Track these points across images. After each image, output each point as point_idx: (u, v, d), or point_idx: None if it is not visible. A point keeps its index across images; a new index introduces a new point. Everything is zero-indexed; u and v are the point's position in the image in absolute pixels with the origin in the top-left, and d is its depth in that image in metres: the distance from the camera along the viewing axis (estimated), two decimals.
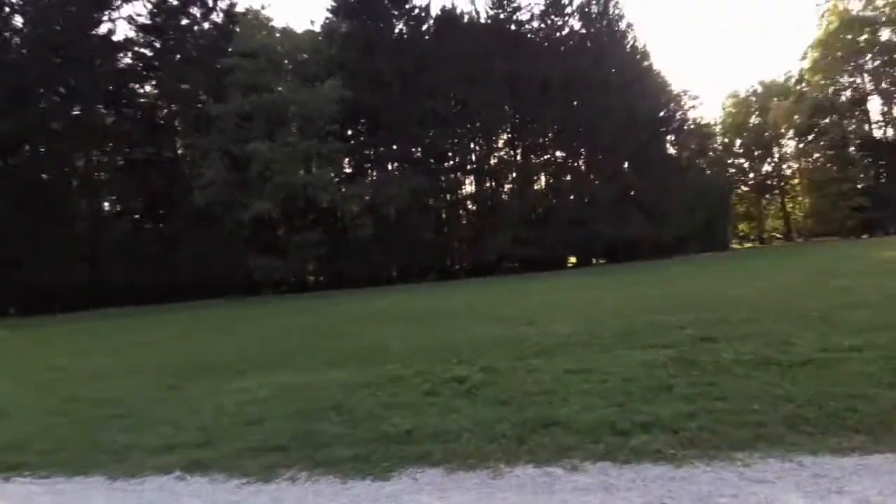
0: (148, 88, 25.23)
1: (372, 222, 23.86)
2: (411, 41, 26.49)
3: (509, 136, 28.26)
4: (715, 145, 38.47)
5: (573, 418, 2.69)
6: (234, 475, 2.45)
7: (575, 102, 27.55)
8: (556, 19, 29.25)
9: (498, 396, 3.20)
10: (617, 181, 27.06)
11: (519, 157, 28.06)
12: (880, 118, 32.91)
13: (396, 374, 3.96)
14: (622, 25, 29.87)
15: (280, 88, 25.15)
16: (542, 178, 28.20)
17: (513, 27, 28.32)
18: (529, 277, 20.05)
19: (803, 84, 35.22)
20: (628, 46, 30.04)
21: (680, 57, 77.40)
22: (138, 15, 24.76)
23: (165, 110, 25.22)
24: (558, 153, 28.15)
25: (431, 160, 26.28)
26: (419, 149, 26.09)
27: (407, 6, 27.30)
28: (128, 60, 24.50)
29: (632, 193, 27.50)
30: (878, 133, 33.12)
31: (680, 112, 32.63)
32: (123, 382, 4.84)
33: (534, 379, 3.54)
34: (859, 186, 32.20)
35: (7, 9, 23.96)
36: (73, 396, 4.37)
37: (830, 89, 32.97)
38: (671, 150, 32.00)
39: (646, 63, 30.60)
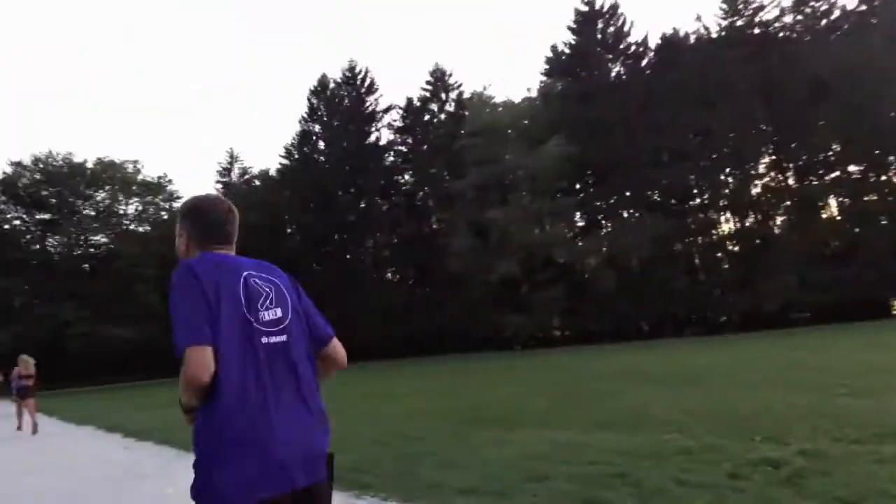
0: (407, 177, 28.40)
1: (614, 274, 21.32)
2: (631, 81, 23.57)
3: (773, 157, 22.20)
4: None
5: None
6: None
7: (865, 102, 19.70)
8: (817, 4, 21.91)
9: (836, 493, 2.24)
10: None
11: (791, 182, 21.68)
12: None
13: (681, 445, 3.30)
14: None
15: (507, 157, 25.15)
16: (833, 203, 20.83)
17: (757, 30, 22.30)
18: (829, 330, 15.14)
19: None
20: None
21: None
22: (394, 121, 28.29)
23: (421, 193, 28.04)
24: (851, 168, 20.55)
25: (673, 201, 22.42)
26: (656, 191, 22.48)
27: (621, 46, 24.63)
28: (391, 158, 27.99)
29: None
30: None
31: None
32: (421, 423, 5.16)
33: (888, 474, 2.42)
34: None
35: (314, 137, 30.35)
36: (388, 431, 4.75)
37: None
38: None
39: None
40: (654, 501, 2.42)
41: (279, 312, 0.95)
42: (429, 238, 27.58)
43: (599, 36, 25.14)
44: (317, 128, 30.08)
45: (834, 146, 20.70)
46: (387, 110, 29.41)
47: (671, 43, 23.81)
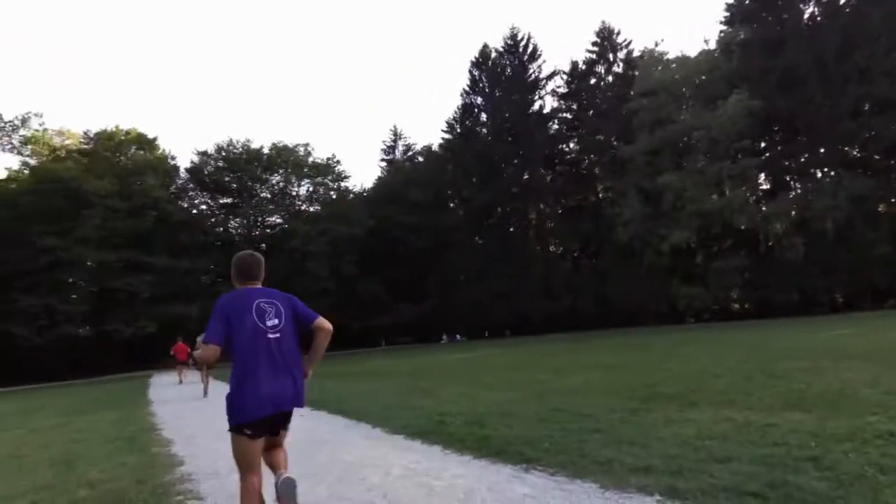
0: (571, 145, 38.29)
1: (804, 241, 27.98)
2: (827, 21, 29.26)
3: None
4: None
5: None
6: None
7: None
8: None
9: None
10: None
11: None
12: None
13: (885, 428, 4.15)
14: None
15: (683, 117, 32.76)
16: None
17: None
18: None
19: None
20: None
21: None
22: (558, 87, 38.21)
23: (586, 161, 37.82)
24: None
25: (877, 157, 27.96)
26: (856, 147, 28.23)
27: None
28: (555, 126, 38.09)
29: None
30: None
31: None
32: (592, 400, 6.80)
33: None
34: None
35: (475, 110, 41.84)
36: (556, 407, 6.37)
37: None
38: None
39: None
40: (854, 487, 2.99)
41: (276, 321, 2.63)
42: (595, 207, 37.27)
43: None
44: (479, 100, 41.77)
45: None
46: (550, 76, 39.70)
47: None
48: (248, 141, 48.66)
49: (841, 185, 28.20)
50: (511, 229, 40.11)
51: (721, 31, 33.77)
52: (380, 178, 50.77)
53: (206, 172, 47.63)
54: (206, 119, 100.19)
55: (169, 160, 47.46)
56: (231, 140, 48.39)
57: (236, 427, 2.77)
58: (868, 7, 28.49)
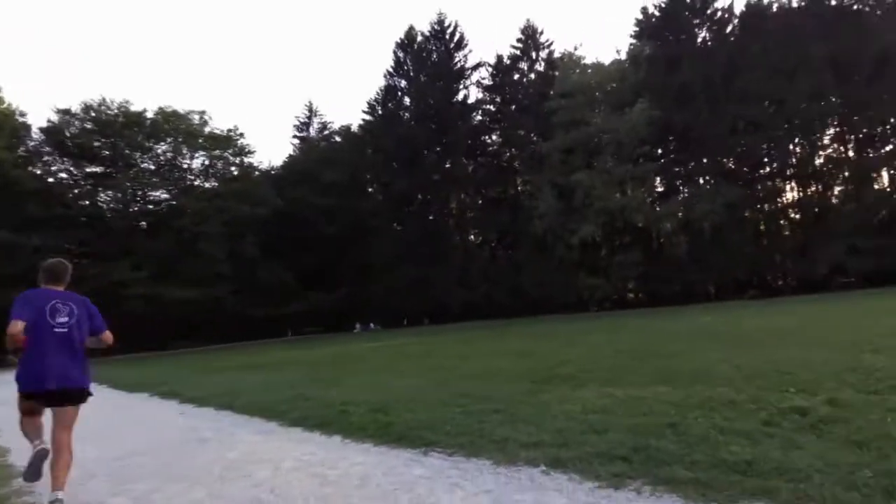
0: (494, 138, 48.63)
1: (686, 239, 40.36)
2: (716, 48, 42.07)
3: (837, 129, 40.43)
4: None
5: None
6: (587, 477, 4.22)
7: None
8: None
9: (851, 436, 4.47)
10: None
11: (851, 153, 39.71)
12: None
13: (728, 398, 6.16)
14: None
15: (595, 120, 44.07)
16: (885, 175, 38.82)
17: (833, 2, 39.67)
18: (871, 294, 27.29)
19: None
20: None
21: None
22: (483, 79, 48.46)
23: (507, 154, 48.44)
24: None
25: (745, 169, 41.05)
26: (731, 159, 41.10)
27: (708, 12, 42.91)
28: (478, 118, 48.21)
29: None
30: None
31: None
32: (494, 384, 8.97)
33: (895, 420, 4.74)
34: None
35: (399, 93, 50.79)
36: (462, 392, 8.27)
37: None
38: None
39: None
40: (699, 447, 4.50)
41: (66, 319, 4.85)
42: (514, 200, 48.19)
43: (688, 0, 43.11)
44: (402, 83, 50.88)
45: (892, 120, 38.25)
46: (476, 67, 50.00)
47: (755, 11, 41.89)
48: (127, 102, 51.22)
49: (718, 193, 41.11)
50: (431, 217, 49.93)
51: (631, 44, 45.82)
52: (291, 156, 58.34)
53: (68, 135, 49.03)
54: (72, 73, 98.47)
55: (17, 116, 48.58)
56: (104, 99, 50.31)
57: (24, 393, 4.82)
58: (748, 39, 41.32)
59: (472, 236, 51.28)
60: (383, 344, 24.19)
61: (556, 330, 23.16)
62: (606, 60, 46.74)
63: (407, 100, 51.37)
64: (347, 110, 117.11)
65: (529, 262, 46.15)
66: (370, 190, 52.63)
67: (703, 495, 3.63)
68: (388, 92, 51.28)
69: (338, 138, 56.19)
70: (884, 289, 30.56)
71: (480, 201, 49.79)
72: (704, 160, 42.82)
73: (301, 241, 52.09)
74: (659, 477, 4.01)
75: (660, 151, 44.71)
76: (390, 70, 51.21)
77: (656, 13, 44.94)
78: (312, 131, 58.33)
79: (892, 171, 39.51)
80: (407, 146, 48.85)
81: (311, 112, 58.79)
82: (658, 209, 43.19)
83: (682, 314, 25.94)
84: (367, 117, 52.74)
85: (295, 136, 59.52)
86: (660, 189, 45.11)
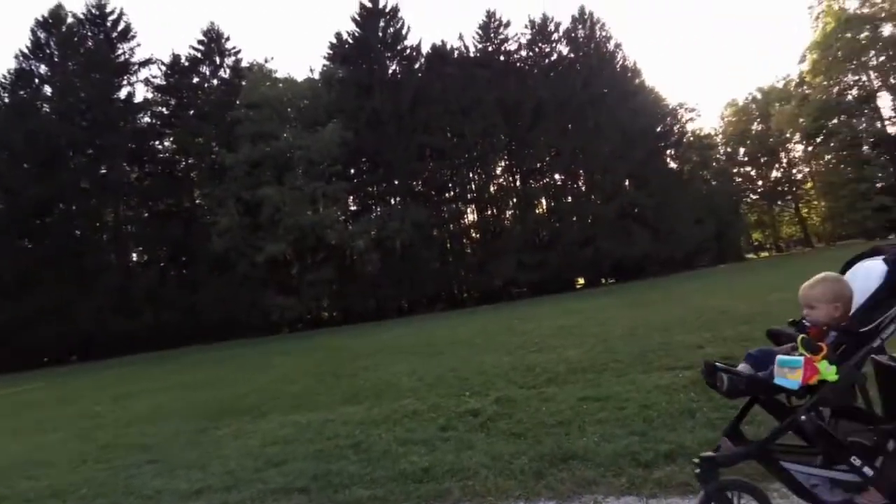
0: (167, 144, 36.20)
1: (379, 257, 33.85)
2: (405, 80, 37.50)
3: (507, 163, 39.01)
4: (718, 156, 48.78)
5: (592, 450, 3.43)
6: None
7: (569, 125, 38.11)
8: (543, 46, 40.57)
9: (513, 429, 4.22)
10: (618, 199, 37.21)
11: (518, 183, 38.60)
12: (892, 114, 42.98)
13: (412, 409, 5.36)
14: (610, 46, 41.20)
15: (285, 135, 35.76)
16: (544, 202, 38.34)
17: (502, 57, 39.30)
18: (538, 302, 26.74)
19: (804, 87, 45.65)
20: (618, 66, 41.11)
21: (673, 71, 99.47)
22: (154, 77, 36.09)
23: (183, 163, 36.30)
24: (557, 176, 38.77)
25: (433, 192, 36.72)
26: (419, 182, 36.51)
27: (399, 47, 38.65)
28: (147, 119, 35.48)
29: (635, 210, 37.53)
30: (891, 129, 43.03)
31: (678, 125, 43.31)
32: (157, 426, 6.64)
33: (548, 409, 4.61)
34: (878, 185, 41.72)
35: (36, 80, 35.23)
36: (109, 443, 6.09)
37: (835, 89, 43.25)
38: (672, 165, 42.31)
39: (638, 80, 41.60)
40: (381, 463, 3.88)
41: None
42: (188, 213, 35.68)
43: (381, 34, 38.76)
44: (42, 68, 35.10)
45: (547, 158, 38.48)
46: (145, 63, 36.93)
47: (439, 53, 39.06)
48: None
49: (407, 212, 35.80)
50: (78, 232, 34.11)
51: (324, 66, 38.99)
52: None
53: None
54: None
55: None
56: None
57: None
58: (433, 77, 38.17)
59: (134, 254, 36.89)
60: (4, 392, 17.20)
61: (240, 355, 18.67)
62: (300, 77, 39.39)
63: (48, 89, 35.10)
64: None
65: (208, 281, 34.12)
66: None
67: None
68: (22, 76, 34.27)
69: None
70: (547, 297, 29.28)
71: (147, 214, 35.85)
72: (395, 182, 36.92)
73: None
74: (337, 502, 3.38)
75: (353, 171, 38.11)
76: (25, 51, 34.30)
77: (350, 41, 38.89)
78: None
79: (548, 200, 39.36)
80: (45, 145, 33.10)
81: None
82: (351, 227, 36.23)
83: (376, 331, 21.75)
84: None
85: None
86: (353, 208, 37.83)
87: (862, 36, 43.44)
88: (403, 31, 39.39)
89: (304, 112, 37.34)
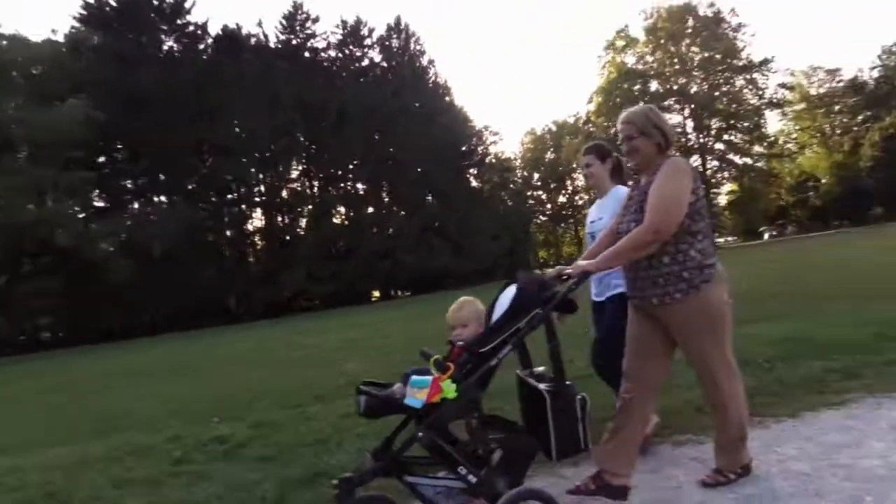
0: None
1: (131, 264, 25.24)
2: (185, 59, 29.50)
3: (304, 166, 32.66)
4: (516, 178, 48.90)
5: (346, 466, 2.96)
6: None
7: (377, 135, 33.28)
8: (354, 50, 35.59)
9: (263, 453, 3.47)
10: (421, 213, 33.08)
11: (316, 190, 32.45)
12: None
13: (142, 442, 4.15)
14: (424, 61, 37.71)
15: (8, 107, 25.88)
16: (343, 211, 32.85)
17: (307, 54, 33.45)
18: (328, 315, 23.30)
19: (590, 125, 47.47)
20: (430, 82, 37.80)
21: (478, 95, 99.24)
22: None
23: None
24: (360, 185, 33.53)
25: (211, 192, 28.96)
26: (195, 179, 28.62)
27: (179, 21, 30.60)
28: None
29: (436, 225, 33.79)
30: None
31: (482, 146, 41.40)
32: None
33: (308, 428, 3.89)
34: None
35: None
36: None
37: (612, 130, 45.16)
38: (474, 183, 39.98)
39: (448, 98, 38.76)
40: None
41: None
42: None
43: (155, 1, 30.33)
44: None
45: (350, 166, 33.24)
46: None
47: (232, 37, 31.70)
48: None
49: (177, 213, 27.58)
50: None
51: (73, 28, 29.17)
52: None
53: None
54: None
55: None
56: None
57: None
58: (223, 63, 30.53)
59: None
60: None
61: None
62: (36, 37, 28.99)
63: None
64: None
65: None
66: None
67: None
68: None
69: None
70: (340, 309, 24.76)
71: None
72: (162, 176, 28.56)
73: None
74: None
75: (103, 160, 28.71)
76: None
77: (112, 2, 29.41)
78: None
79: (347, 209, 33.58)
80: None
81: None
82: (94, 227, 26.82)
83: (117, 352, 17.60)
84: None
85: None
86: (99, 204, 28.14)
87: (636, 88, 46.33)
88: (186, 5, 31.43)
89: (38, 81, 27.37)
